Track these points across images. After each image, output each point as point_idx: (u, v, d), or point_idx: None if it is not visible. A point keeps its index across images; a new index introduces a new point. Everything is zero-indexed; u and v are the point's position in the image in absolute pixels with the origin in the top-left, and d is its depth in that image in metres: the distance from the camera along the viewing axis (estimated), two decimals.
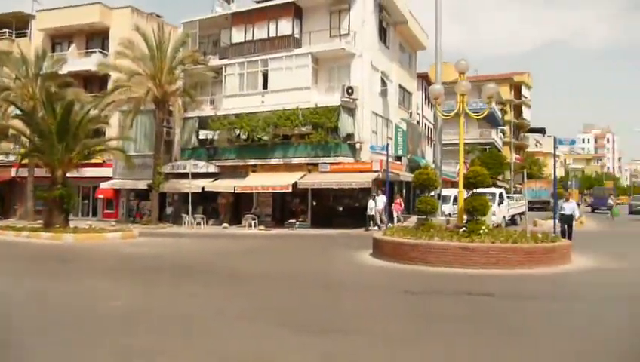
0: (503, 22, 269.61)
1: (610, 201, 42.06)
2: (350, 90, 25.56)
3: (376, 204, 24.00)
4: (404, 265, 12.01)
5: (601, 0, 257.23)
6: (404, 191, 31.63)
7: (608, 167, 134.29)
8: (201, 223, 26.42)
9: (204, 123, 29.18)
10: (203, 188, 27.20)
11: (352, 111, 26.25)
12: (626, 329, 6.77)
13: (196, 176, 27.25)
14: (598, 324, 6.97)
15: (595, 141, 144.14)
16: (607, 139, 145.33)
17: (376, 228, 22.73)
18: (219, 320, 7.04)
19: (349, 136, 26.18)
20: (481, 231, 12.54)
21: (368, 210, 23.95)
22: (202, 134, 29.27)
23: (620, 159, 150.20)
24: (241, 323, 6.87)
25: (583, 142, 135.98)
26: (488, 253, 11.61)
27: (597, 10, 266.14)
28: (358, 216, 24.82)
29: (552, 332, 6.45)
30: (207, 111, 29.42)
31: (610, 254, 14.58)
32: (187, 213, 26.85)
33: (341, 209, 27.69)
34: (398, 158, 30.04)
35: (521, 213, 27.68)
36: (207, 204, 29.19)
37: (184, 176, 27.66)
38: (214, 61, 29.18)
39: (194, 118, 29.47)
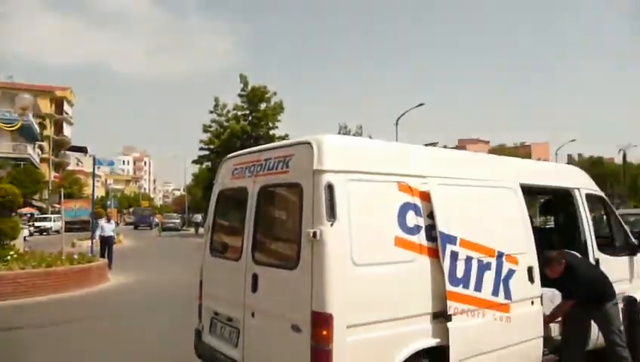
0: (50, 30, 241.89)
1: (155, 220, 48.63)
2: None
3: None
4: None
5: (146, 32, 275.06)
6: None
7: (145, 188, 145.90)
8: None
9: None
10: None
11: None
12: (162, 335, 7.39)
13: None
14: (134, 336, 7.40)
15: (134, 163, 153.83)
16: (145, 162, 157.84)
17: None
18: None
19: None
20: (9, 256, 11.18)
21: None
22: None
23: (155, 181, 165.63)
24: None
25: (124, 163, 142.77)
26: (17, 281, 10.47)
27: (138, 38, 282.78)
28: None
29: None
30: None
31: (145, 268, 15.78)
32: None
33: None
34: None
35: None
36: None
37: None
38: None
39: None
